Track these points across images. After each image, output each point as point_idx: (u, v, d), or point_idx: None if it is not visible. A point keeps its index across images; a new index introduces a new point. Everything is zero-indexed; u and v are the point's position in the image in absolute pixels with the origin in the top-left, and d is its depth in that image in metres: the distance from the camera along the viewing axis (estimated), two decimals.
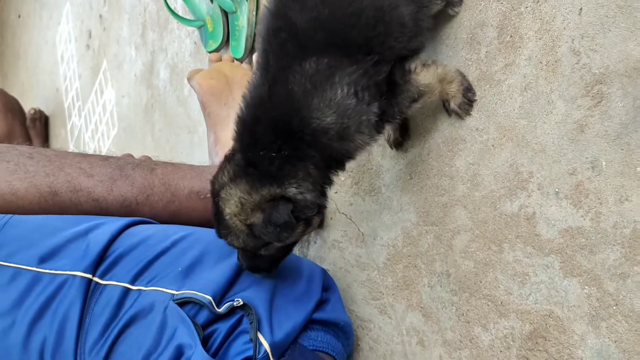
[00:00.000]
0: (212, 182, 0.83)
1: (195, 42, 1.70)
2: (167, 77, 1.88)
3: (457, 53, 0.89)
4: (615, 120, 0.69)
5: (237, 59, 1.46)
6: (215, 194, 0.81)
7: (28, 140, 3.20)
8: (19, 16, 3.73)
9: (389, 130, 0.99)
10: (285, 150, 0.75)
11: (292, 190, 0.77)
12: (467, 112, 0.88)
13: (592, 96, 0.71)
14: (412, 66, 0.80)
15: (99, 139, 2.53)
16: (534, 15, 0.78)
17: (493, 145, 0.84)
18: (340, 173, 0.82)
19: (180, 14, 1.73)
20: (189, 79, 1.39)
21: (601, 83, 0.70)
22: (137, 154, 2.14)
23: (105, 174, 1.03)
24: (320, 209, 0.81)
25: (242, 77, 1.29)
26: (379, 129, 0.79)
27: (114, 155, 1.11)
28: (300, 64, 0.74)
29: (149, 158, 1.20)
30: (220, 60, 1.40)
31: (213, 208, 0.83)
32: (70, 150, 1.14)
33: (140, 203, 1.04)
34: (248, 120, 0.79)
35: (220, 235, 0.83)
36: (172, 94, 1.85)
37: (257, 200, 0.77)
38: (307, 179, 0.78)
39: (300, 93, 0.74)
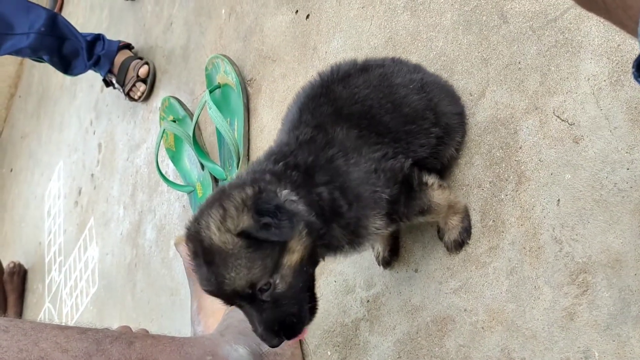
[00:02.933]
0: (187, 228, 0.77)
1: (184, 206, 1.73)
2: (153, 238, 1.89)
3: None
4: (603, 310, 0.69)
5: None
6: (192, 234, 0.75)
7: (3, 294, 3.11)
8: (11, 170, 3.82)
9: (378, 247, 1.00)
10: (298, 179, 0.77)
11: (284, 192, 0.75)
12: (457, 251, 0.90)
13: (578, 285, 0.72)
14: (431, 181, 0.85)
15: (77, 296, 2.47)
16: (514, 203, 0.82)
17: (483, 328, 0.83)
18: (337, 231, 0.78)
19: (171, 177, 1.79)
20: (176, 245, 1.39)
21: (585, 272, 0.72)
22: (115, 314, 2.08)
23: (81, 348, 1.01)
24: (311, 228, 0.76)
25: None
26: (387, 219, 0.81)
27: (94, 327, 1.08)
28: (333, 126, 0.81)
29: (129, 329, 1.17)
30: None
31: (191, 252, 0.75)
32: (47, 321, 1.12)
33: None
34: (263, 162, 0.81)
35: (217, 279, 0.73)
36: (157, 255, 1.84)
37: (239, 201, 0.72)
38: (309, 199, 0.76)
39: (331, 152, 0.79)
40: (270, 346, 0.77)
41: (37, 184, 3.23)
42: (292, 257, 0.74)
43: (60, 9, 3.28)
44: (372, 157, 0.80)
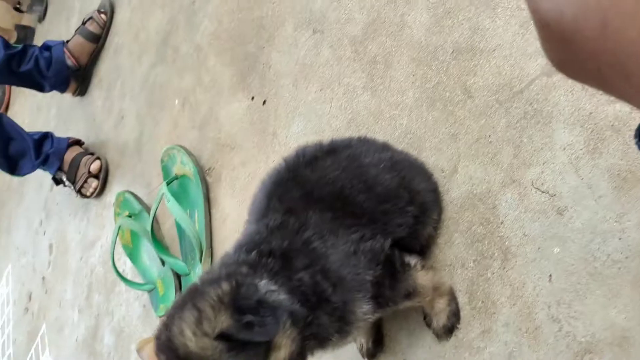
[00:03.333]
0: (157, 337, 0.70)
1: (144, 305, 1.62)
2: (112, 343, 1.75)
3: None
4: None
5: None
6: (164, 343, 0.67)
7: None
8: None
9: (361, 339, 0.93)
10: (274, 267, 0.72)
11: (262, 283, 0.69)
12: (447, 337, 0.84)
13: None
14: (413, 262, 0.80)
15: None
16: (503, 281, 0.78)
17: None
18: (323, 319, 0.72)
19: (129, 276, 1.68)
20: (138, 350, 1.28)
21: (591, 352, 0.67)
22: None
23: None
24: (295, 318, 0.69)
25: None
26: (374, 303, 0.75)
27: None
28: (305, 210, 0.76)
29: None
30: None
31: None
32: None
33: None
34: (234, 255, 0.75)
35: None
36: None
37: (215, 298, 0.65)
38: (289, 287, 0.70)
39: (307, 235, 0.74)
40: None
41: None
42: (279, 354, 0.68)
43: (6, 109, 3.21)
44: (350, 238, 0.76)
